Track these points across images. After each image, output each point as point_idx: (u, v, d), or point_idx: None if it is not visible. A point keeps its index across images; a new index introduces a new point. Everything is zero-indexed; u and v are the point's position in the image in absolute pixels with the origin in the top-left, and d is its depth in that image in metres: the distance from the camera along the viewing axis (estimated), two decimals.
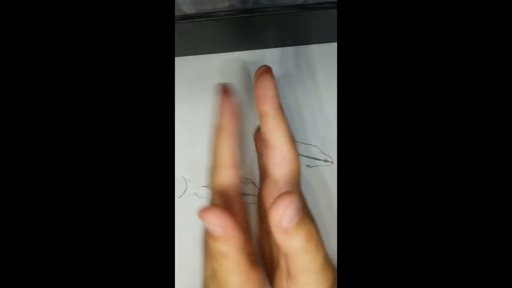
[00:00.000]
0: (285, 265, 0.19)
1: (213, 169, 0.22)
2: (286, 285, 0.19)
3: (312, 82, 0.29)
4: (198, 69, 0.29)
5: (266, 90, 0.20)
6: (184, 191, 0.28)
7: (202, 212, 0.18)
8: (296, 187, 0.21)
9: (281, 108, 0.20)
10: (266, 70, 0.20)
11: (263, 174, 0.23)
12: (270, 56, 0.29)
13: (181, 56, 0.29)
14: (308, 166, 0.28)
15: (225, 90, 0.21)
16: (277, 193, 0.19)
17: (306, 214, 0.20)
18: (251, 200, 0.27)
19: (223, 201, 0.21)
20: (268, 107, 0.20)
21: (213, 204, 0.20)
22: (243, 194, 0.27)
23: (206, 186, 0.27)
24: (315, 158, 0.28)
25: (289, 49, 0.29)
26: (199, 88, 0.29)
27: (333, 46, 0.29)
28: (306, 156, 0.28)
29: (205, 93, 0.29)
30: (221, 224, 0.18)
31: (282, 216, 0.17)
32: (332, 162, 0.28)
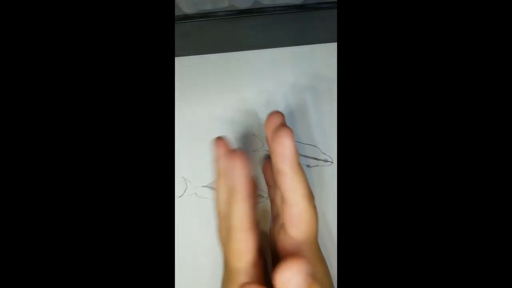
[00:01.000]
0: None
1: (229, 232, 0.20)
2: None
3: (312, 82, 0.29)
4: (198, 69, 0.29)
5: (284, 148, 0.18)
6: (184, 191, 0.28)
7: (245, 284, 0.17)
8: (312, 247, 0.21)
9: (299, 166, 0.19)
10: (282, 123, 0.19)
11: (274, 215, 0.23)
12: (270, 56, 0.29)
13: (181, 56, 0.29)
14: (308, 166, 0.28)
15: (234, 152, 0.19)
16: (291, 249, 0.19)
17: (319, 267, 0.20)
18: None
19: (246, 269, 0.19)
20: (286, 166, 0.19)
21: (249, 283, 0.18)
22: None
23: (206, 186, 0.27)
24: (315, 158, 0.28)
25: (289, 49, 0.29)
26: (199, 88, 0.29)
27: (333, 46, 0.29)
28: (306, 156, 0.28)
29: (205, 94, 0.29)
30: None
31: (288, 283, 0.16)
32: (332, 162, 0.28)
